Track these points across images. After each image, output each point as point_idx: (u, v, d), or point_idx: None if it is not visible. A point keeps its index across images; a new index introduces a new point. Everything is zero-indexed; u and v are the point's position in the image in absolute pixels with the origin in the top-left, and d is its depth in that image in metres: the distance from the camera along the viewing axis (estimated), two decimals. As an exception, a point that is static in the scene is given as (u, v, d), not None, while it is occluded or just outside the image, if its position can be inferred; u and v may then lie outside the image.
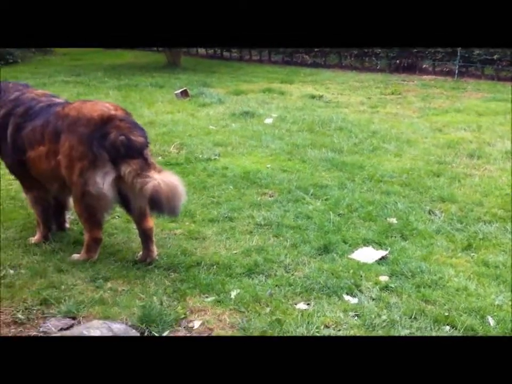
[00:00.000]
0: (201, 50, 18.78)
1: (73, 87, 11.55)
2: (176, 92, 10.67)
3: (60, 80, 12.52)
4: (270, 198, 5.43)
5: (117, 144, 3.77)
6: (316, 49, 16.05)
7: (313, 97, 10.90)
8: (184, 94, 10.55)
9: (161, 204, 3.73)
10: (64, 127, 3.90)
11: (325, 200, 5.35)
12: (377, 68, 15.19)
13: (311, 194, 5.48)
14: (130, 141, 3.79)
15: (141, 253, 4.13)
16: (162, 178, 3.77)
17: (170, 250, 4.24)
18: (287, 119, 8.84)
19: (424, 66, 14.76)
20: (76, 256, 4.06)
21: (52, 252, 4.18)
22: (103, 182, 3.81)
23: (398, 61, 14.79)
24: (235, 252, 4.25)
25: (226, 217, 4.92)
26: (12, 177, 4.99)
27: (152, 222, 4.12)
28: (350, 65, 15.74)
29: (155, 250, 4.10)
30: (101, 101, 4.32)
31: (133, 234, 4.47)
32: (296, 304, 3.49)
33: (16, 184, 5.32)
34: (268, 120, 8.77)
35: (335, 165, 6.45)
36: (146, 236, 4.09)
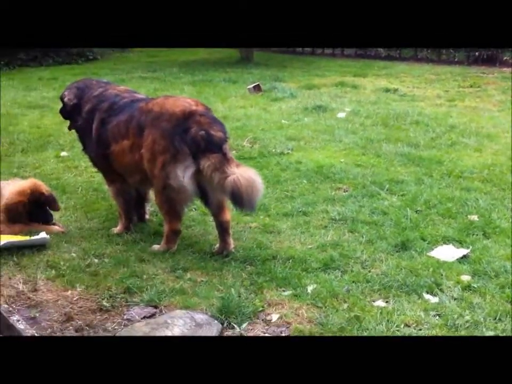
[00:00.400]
0: (273, 45, 18.79)
1: (150, 82, 11.87)
2: (249, 87, 10.76)
3: (137, 76, 12.91)
4: (344, 193, 5.38)
5: (197, 139, 3.86)
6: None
7: (387, 90, 10.67)
8: (257, 88, 10.61)
9: (241, 198, 3.79)
10: (147, 121, 4.03)
11: (401, 195, 5.24)
12: (455, 60, 14.69)
13: (387, 190, 5.38)
14: (210, 135, 3.87)
15: (217, 245, 4.20)
16: (241, 173, 3.82)
17: (246, 243, 4.29)
18: (361, 113, 8.71)
19: (505, 58, 14.12)
20: (156, 246, 4.19)
21: (133, 242, 4.33)
22: (184, 176, 3.91)
23: (477, 53, 14.22)
24: (310, 246, 4.24)
25: (300, 211, 4.92)
26: (95, 169, 5.21)
27: (229, 215, 4.18)
28: (426, 57, 15.28)
29: (231, 243, 4.17)
30: (183, 96, 4.42)
31: (210, 226, 4.56)
32: (374, 302, 3.45)
33: (98, 177, 5.55)
34: (341, 114, 8.68)
35: (412, 160, 6.30)
36: (223, 229, 4.16)
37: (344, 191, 5.44)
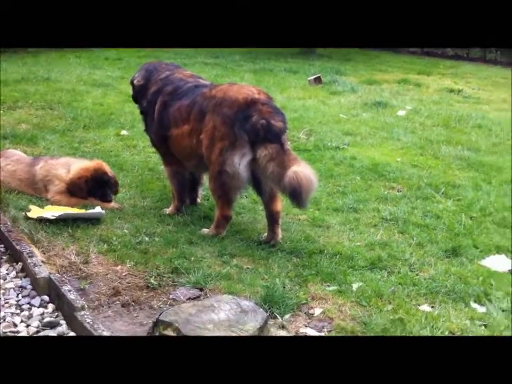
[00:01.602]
0: (337, 37, 18.60)
1: (212, 68, 11.97)
2: (309, 78, 10.70)
3: (200, 61, 13.02)
4: (397, 193, 5.30)
5: (257, 127, 3.89)
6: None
7: (451, 91, 10.41)
8: (318, 80, 10.55)
9: (300, 196, 3.80)
10: (209, 107, 4.08)
11: (457, 200, 5.12)
12: (526, 63, 14.14)
13: (442, 193, 5.27)
14: (270, 125, 3.89)
15: (266, 234, 4.22)
16: (301, 171, 3.81)
17: (293, 235, 4.29)
18: (422, 112, 8.54)
19: None
20: (205, 230, 4.25)
21: (183, 224, 4.40)
22: (240, 163, 3.95)
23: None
24: (358, 243, 4.21)
25: (351, 207, 4.88)
26: (153, 150, 5.32)
27: (280, 205, 4.20)
28: (494, 59, 14.77)
29: (280, 233, 4.18)
30: (246, 84, 4.44)
31: (259, 215, 4.59)
32: (419, 306, 3.39)
33: (155, 157, 5.67)
34: (401, 112, 8.53)
35: (471, 165, 6.14)
36: (273, 219, 4.18)
37: (398, 191, 5.35)
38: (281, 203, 4.25)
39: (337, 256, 3.97)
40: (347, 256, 3.97)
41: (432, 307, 3.39)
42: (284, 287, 3.47)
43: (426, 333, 3.04)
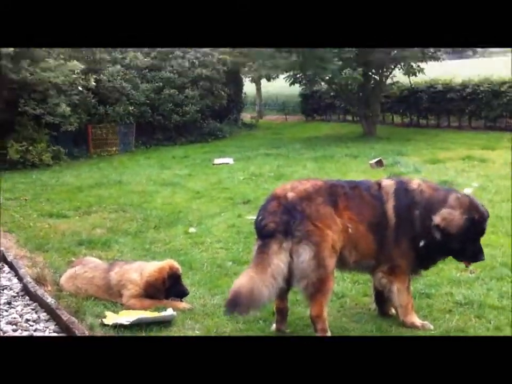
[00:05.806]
0: (397, 119, 18.80)
1: (274, 159, 12.31)
2: (371, 162, 10.80)
3: (262, 153, 13.45)
4: (470, 275, 5.14)
5: None
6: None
7: (519, 164, 10.17)
8: (379, 163, 10.63)
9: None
10: None
11: (537, 281, 4.89)
12: None
13: (518, 272, 5.06)
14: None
15: None
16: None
17: (364, 326, 4.20)
18: (489, 188, 8.37)
19: None
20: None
21: (253, 321, 4.38)
22: None
23: None
24: (433, 332, 4.07)
25: (423, 293, 4.76)
26: (219, 246, 5.42)
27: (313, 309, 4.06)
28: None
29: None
30: (282, 185, 4.42)
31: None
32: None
33: (222, 253, 5.79)
34: (468, 191, 8.36)
35: (547, 241, 5.88)
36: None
37: (471, 273, 5.19)
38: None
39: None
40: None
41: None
42: None
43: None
